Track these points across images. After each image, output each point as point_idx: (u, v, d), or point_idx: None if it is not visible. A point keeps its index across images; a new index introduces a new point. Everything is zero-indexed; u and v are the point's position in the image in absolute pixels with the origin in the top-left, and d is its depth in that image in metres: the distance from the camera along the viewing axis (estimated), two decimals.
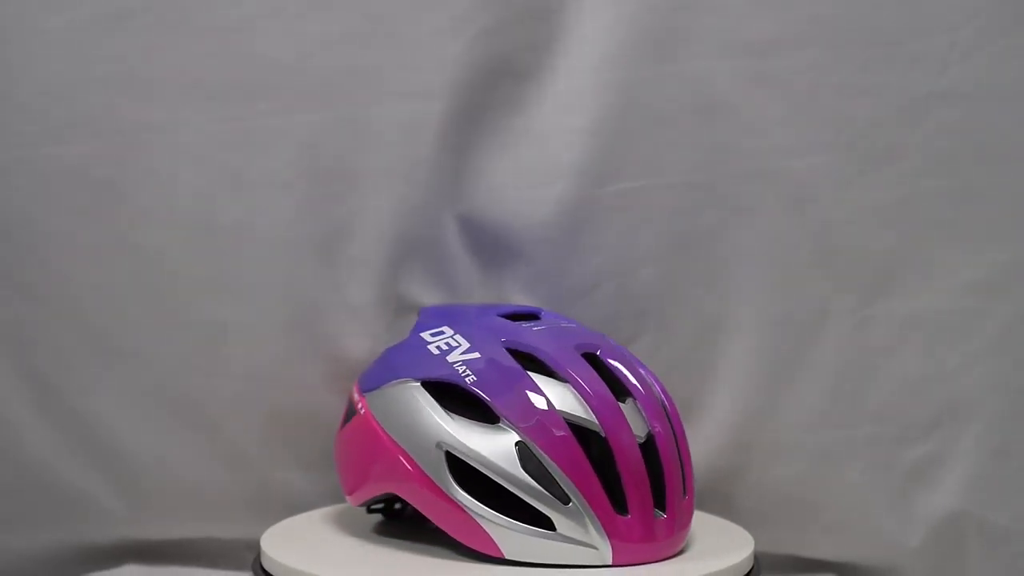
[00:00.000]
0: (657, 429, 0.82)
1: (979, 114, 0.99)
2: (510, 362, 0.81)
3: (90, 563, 1.03)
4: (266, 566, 0.83)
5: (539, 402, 0.79)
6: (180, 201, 0.99)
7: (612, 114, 0.99)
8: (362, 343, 0.99)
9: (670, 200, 1.00)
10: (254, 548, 0.86)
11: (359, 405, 0.84)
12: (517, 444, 0.78)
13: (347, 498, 0.87)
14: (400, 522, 0.89)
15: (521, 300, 1.01)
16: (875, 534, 1.02)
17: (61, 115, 0.98)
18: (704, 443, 1.01)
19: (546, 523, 0.78)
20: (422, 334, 0.86)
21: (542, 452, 0.78)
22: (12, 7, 0.97)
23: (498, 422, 0.79)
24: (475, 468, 0.79)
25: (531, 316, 0.89)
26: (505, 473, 0.78)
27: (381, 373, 0.85)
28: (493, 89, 1.00)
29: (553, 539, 0.78)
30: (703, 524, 0.91)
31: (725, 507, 0.98)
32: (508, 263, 1.02)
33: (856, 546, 1.03)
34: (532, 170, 1.01)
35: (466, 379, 0.81)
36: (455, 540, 0.80)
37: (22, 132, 0.98)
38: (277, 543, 0.86)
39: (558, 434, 0.78)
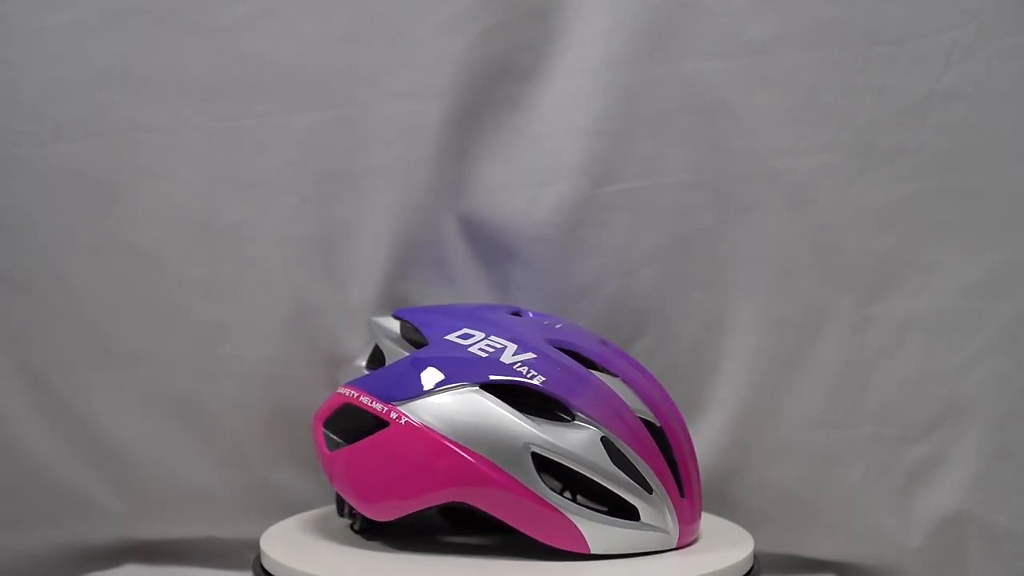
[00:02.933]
0: (679, 416, 0.86)
1: (979, 114, 0.99)
2: (570, 361, 0.83)
3: (90, 563, 1.03)
4: (266, 566, 0.83)
5: (612, 397, 0.82)
6: (180, 201, 0.99)
7: (612, 114, 0.99)
8: (362, 343, 0.99)
9: (670, 200, 1.00)
10: (254, 548, 0.86)
11: (392, 415, 0.81)
12: (602, 439, 0.81)
13: (369, 511, 0.83)
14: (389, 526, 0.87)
15: (522, 301, 1.01)
16: (875, 534, 1.02)
17: (60, 114, 0.98)
18: (704, 443, 1.01)
19: (631, 514, 0.81)
20: (447, 337, 0.84)
21: (625, 445, 0.81)
22: (11, 6, 0.97)
23: (574, 419, 0.81)
24: (561, 467, 0.80)
25: (517, 314, 0.91)
26: (598, 468, 0.80)
27: (421, 379, 0.82)
28: (493, 89, 1.00)
29: (637, 528, 0.81)
30: (703, 523, 0.91)
31: (725, 507, 0.98)
32: (508, 263, 1.02)
33: (856, 546, 1.03)
34: (532, 170, 1.01)
35: (533, 380, 0.81)
36: (539, 541, 0.80)
37: (21, 131, 0.98)
38: (277, 543, 0.86)
39: (635, 426, 0.82)
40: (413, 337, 0.87)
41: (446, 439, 0.80)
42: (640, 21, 0.99)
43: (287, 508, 0.97)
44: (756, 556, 0.86)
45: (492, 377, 0.81)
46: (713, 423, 1.02)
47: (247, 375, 1.00)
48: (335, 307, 1.00)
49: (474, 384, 0.81)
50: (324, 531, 0.89)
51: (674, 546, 0.83)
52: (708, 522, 0.92)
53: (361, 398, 0.83)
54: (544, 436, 0.80)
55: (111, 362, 1.00)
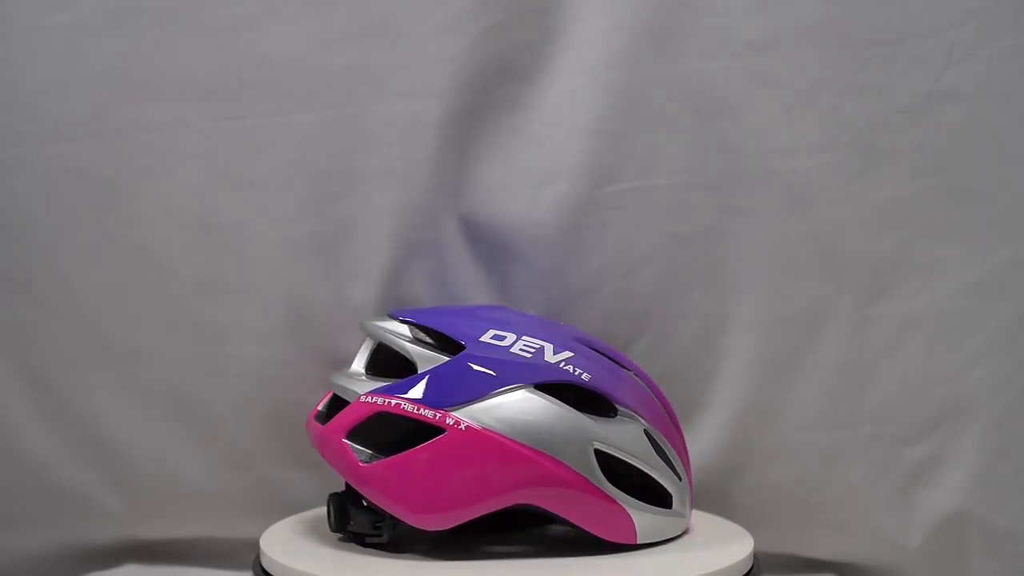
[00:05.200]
0: None
1: (979, 114, 0.99)
2: (603, 359, 0.85)
3: (90, 563, 1.03)
4: (266, 566, 0.83)
5: (642, 391, 0.87)
6: (180, 201, 0.99)
7: (612, 114, 0.99)
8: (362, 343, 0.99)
9: (670, 200, 1.00)
10: (254, 548, 0.86)
11: (448, 421, 0.80)
12: (645, 431, 0.84)
13: (423, 522, 0.82)
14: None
15: (522, 301, 1.01)
16: (875, 534, 1.02)
17: (60, 114, 0.98)
18: (704, 443, 1.01)
19: (666, 501, 0.85)
20: (482, 339, 0.83)
21: (660, 436, 0.85)
22: (11, 6, 0.97)
23: (617, 414, 0.83)
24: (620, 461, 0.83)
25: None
26: (648, 460, 0.84)
27: (475, 384, 0.81)
28: (494, 89, 1.00)
29: (670, 515, 0.85)
30: (703, 523, 0.91)
31: (725, 506, 0.98)
32: (508, 263, 1.02)
33: (856, 546, 1.03)
34: (532, 170, 1.01)
35: (582, 378, 0.83)
36: (595, 535, 0.82)
37: (21, 131, 0.98)
38: (277, 543, 0.86)
39: (663, 417, 0.87)
40: (429, 340, 0.85)
41: (513, 442, 0.80)
42: (640, 21, 0.99)
43: (287, 508, 0.97)
44: (756, 556, 0.86)
45: (539, 378, 0.82)
46: (713, 423, 1.02)
47: (247, 375, 1.00)
48: (335, 307, 1.00)
49: (527, 384, 0.81)
50: (324, 531, 0.88)
51: (684, 529, 0.87)
52: (708, 522, 0.93)
53: (403, 405, 0.81)
54: (603, 433, 0.82)
55: (111, 362, 1.00)
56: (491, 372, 0.81)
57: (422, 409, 0.80)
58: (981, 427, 1.01)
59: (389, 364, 0.86)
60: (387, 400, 0.81)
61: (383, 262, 1.00)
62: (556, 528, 0.87)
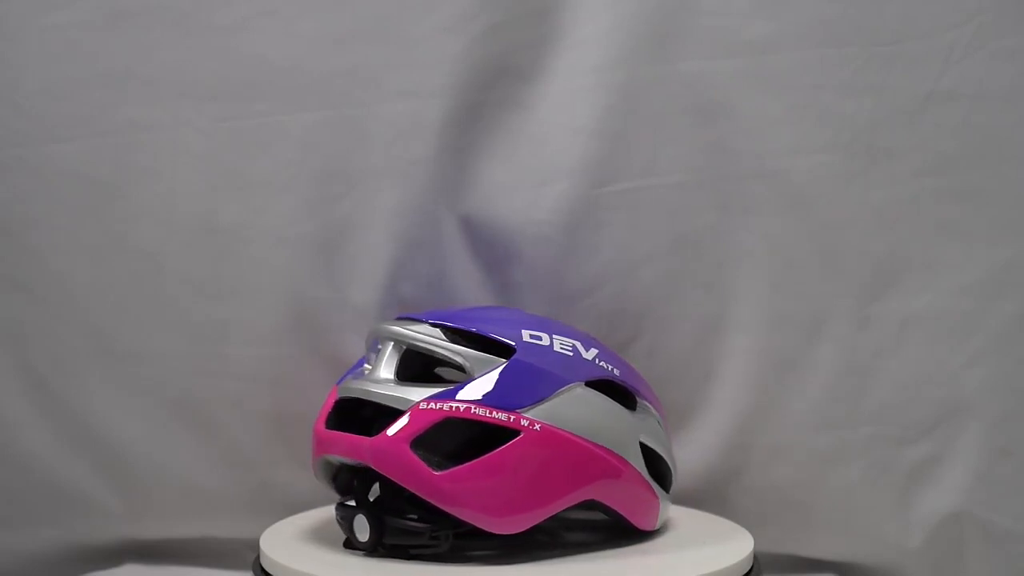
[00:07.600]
0: None
1: (979, 114, 0.99)
2: (616, 354, 0.88)
3: (90, 563, 1.03)
4: (266, 566, 0.83)
5: (648, 383, 0.89)
6: (180, 201, 0.99)
7: (612, 114, 0.99)
8: (362, 343, 0.99)
9: (670, 200, 1.00)
10: (254, 548, 0.86)
11: (523, 423, 0.79)
12: (658, 421, 0.88)
13: (500, 525, 0.79)
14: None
15: (523, 300, 1.01)
16: (875, 534, 1.02)
17: (61, 114, 0.98)
18: (704, 443, 1.01)
19: (667, 487, 0.88)
20: (525, 340, 0.82)
21: (664, 423, 0.89)
22: (11, 5, 0.97)
23: (637, 407, 0.85)
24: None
25: None
26: (667, 448, 0.88)
27: (540, 384, 0.80)
28: (493, 89, 1.00)
29: (668, 499, 0.88)
30: (702, 523, 0.91)
31: (725, 507, 0.98)
32: (508, 263, 1.02)
33: (856, 546, 1.03)
34: (532, 170, 1.01)
35: (614, 373, 0.85)
36: (633, 525, 0.85)
37: (21, 131, 0.98)
38: (277, 543, 0.86)
39: (661, 405, 0.89)
40: (466, 343, 0.82)
41: (584, 440, 0.81)
42: (640, 21, 0.99)
43: (287, 508, 0.97)
44: (756, 556, 0.86)
45: (585, 375, 0.83)
46: (713, 423, 1.02)
47: (247, 375, 1.01)
48: (335, 307, 1.00)
49: (579, 383, 0.82)
50: (324, 531, 0.89)
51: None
52: (708, 522, 0.93)
53: (474, 410, 0.79)
54: (643, 428, 0.85)
55: (111, 362, 1.00)
56: (551, 372, 0.81)
57: (495, 412, 0.79)
58: (980, 427, 1.01)
59: (412, 369, 0.83)
60: (454, 405, 0.79)
61: (383, 262, 1.00)
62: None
